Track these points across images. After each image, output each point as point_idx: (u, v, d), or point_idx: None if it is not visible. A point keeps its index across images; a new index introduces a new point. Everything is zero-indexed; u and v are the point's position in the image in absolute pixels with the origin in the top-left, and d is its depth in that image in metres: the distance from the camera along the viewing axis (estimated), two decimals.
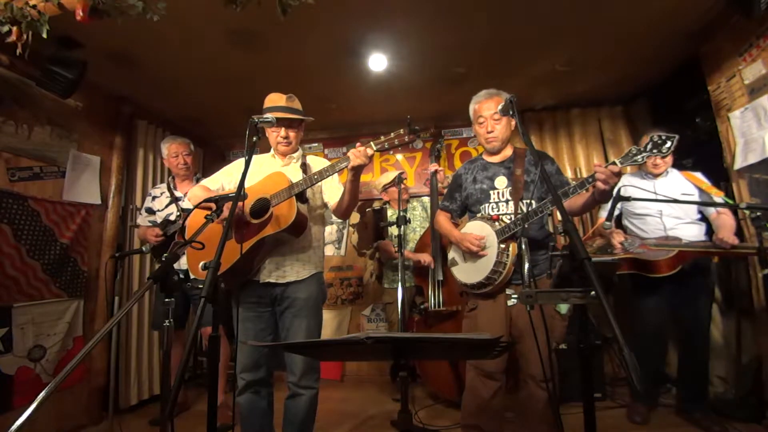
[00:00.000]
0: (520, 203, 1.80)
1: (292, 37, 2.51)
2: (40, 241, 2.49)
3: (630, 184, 2.50)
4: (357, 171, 1.66)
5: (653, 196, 2.37)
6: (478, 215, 1.89)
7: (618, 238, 2.39)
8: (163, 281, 1.24)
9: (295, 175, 1.83)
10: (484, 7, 2.29)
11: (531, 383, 1.75)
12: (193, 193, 1.91)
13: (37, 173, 2.55)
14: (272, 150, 1.96)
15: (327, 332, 3.82)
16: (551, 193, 1.21)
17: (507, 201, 1.85)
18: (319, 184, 1.84)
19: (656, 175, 2.46)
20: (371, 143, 1.62)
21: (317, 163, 1.94)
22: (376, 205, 3.26)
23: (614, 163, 1.43)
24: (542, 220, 1.79)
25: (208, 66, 2.81)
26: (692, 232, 2.34)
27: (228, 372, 2.87)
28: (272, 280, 1.79)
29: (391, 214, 3.09)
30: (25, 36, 1.75)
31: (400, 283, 2.33)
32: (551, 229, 3.19)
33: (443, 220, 2.05)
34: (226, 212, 1.48)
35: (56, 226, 2.60)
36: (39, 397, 0.95)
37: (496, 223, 1.77)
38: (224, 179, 1.96)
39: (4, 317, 2.28)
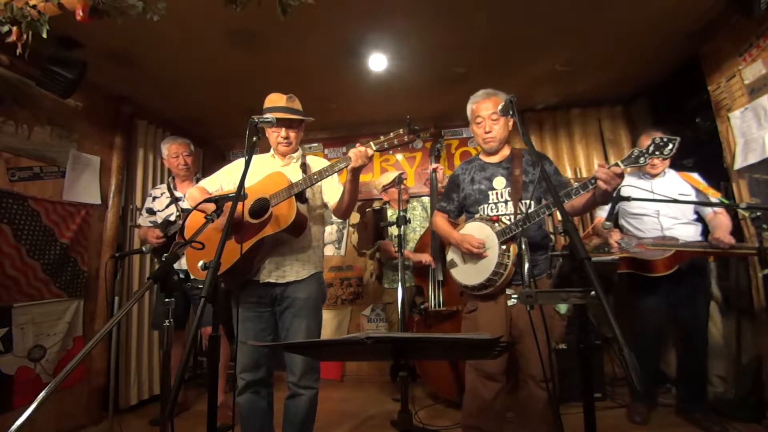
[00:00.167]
0: (519, 204, 1.80)
1: (292, 37, 2.51)
2: (40, 241, 2.49)
3: (628, 184, 2.50)
4: (356, 171, 1.66)
5: (651, 196, 2.37)
6: (477, 216, 1.88)
7: (615, 237, 2.39)
8: (163, 281, 1.24)
9: (295, 175, 1.83)
10: (484, 7, 2.29)
11: (531, 383, 1.75)
12: (191, 194, 1.91)
13: (37, 173, 2.55)
14: (272, 150, 1.96)
15: (327, 332, 3.82)
16: (552, 194, 1.21)
17: (506, 201, 1.84)
18: (319, 184, 1.84)
19: (654, 176, 2.46)
20: (371, 143, 1.62)
21: (317, 163, 1.94)
22: (376, 205, 3.26)
23: (617, 165, 1.43)
24: (541, 221, 1.78)
25: (208, 66, 2.81)
26: (689, 233, 2.34)
27: (228, 372, 2.87)
28: (272, 280, 1.79)
29: (391, 214, 3.09)
30: (25, 36, 1.75)
31: (400, 283, 2.33)
32: (551, 229, 3.20)
33: (441, 221, 2.03)
34: (226, 213, 1.48)
35: (56, 226, 2.60)
36: (39, 397, 0.95)
37: (496, 224, 1.76)
38: (223, 179, 1.96)
39: (4, 317, 2.28)
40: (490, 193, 1.88)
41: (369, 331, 3.60)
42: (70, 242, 2.67)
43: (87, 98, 2.80)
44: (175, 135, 3.11)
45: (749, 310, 2.45)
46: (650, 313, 2.45)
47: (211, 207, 1.53)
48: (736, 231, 2.49)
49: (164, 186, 2.88)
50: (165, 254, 1.30)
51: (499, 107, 1.56)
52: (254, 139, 1.47)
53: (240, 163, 1.95)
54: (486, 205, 1.88)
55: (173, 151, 2.81)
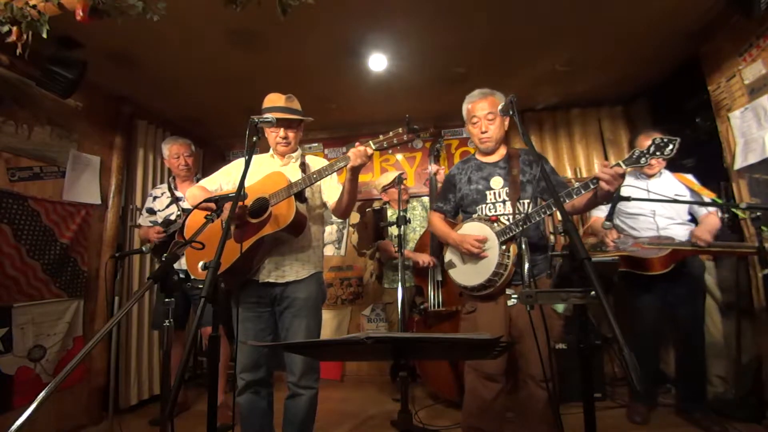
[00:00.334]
0: (518, 204, 1.80)
1: (292, 37, 2.51)
2: (40, 241, 2.49)
3: (625, 184, 2.50)
4: (356, 170, 1.66)
5: (647, 196, 2.38)
6: (475, 216, 1.87)
7: (611, 236, 2.40)
8: (163, 281, 1.24)
9: (294, 174, 1.83)
10: (484, 7, 2.29)
11: (531, 383, 1.75)
12: (191, 194, 1.91)
13: (37, 173, 2.55)
14: (271, 150, 1.96)
15: (327, 332, 3.82)
16: (552, 194, 1.21)
17: (504, 201, 1.83)
18: (318, 183, 1.84)
19: (650, 176, 2.48)
20: (370, 143, 1.62)
21: (316, 162, 1.94)
22: (376, 205, 3.26)
23: (619, 165, 1.44)
24: (539, 221, 1.78)
25: (208, 66, 2.81)
26: (684, 232, 2.35)
27: (228, 372, 2.87)
28: (271, 280, 1.79)
29: (391, 214, 3.09)
30: (25, 36, 1.75)
31: (400, 283, 2.33)
32: (551, 229, 3.20)
33: (438, 221, 2.01)
34: (226, 212, 1.48)
35: (56, 226, 2.60)
36: (39, 397, 0.95)
37: (495, 224, 1.75)
38: (222, 179, 1.96)
39: (4, 317, 2.28)
40: (487, 193, 1.87)
41: (369, 331, 3.60)
42: (70, 242, 2.66)
43: (87, 98, 2.80)
44: (175, 135, 3.11)
45: (749, 310, 2.45)
46: (647, 311, 2.46)
47: (210, 207, 1.53)
48: (737, 231, 2.50)
49: (165, 186, 2.88)
50: (165, 254, 1.30)
51: (499, 107, 1.56)
52: (254, 139, 1.47)
53: (239, 163, 1.95)
54: (484, 205, 1.87)
55: (174, 152, 2.81)
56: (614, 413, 2.54)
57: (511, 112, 1.42)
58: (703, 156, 2.78)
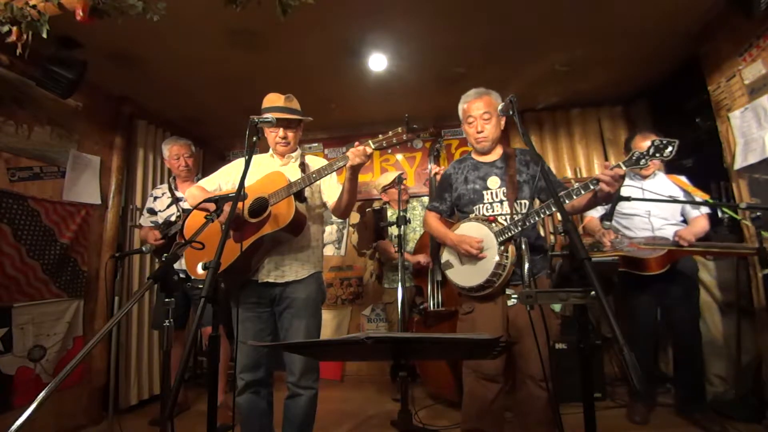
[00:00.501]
0: (515, 204, 1.79)
1: (292, 37, 2.51)
2: (40, 241, 2.49)
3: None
4: (355, 170, 1.65)
5: (642, 196, 2.40)
6: (472, 216, 1.85)
7: (608, 236, 2.40)
8: (163, 281, 1.24)
9: (294, 174, 1.82)
10: (484, 7, 2.29)
11: (530, 383, 1.74)
12: (190, 194, 1.91)
13: (37, 173, 2.55)
14: (271, 150, 1.96)
15: (327, 332, 3.82)
16: (552, 194, 1.21)
17: (501, 201, 1.82)
18: (318, 183, 1.84)
19: (644, 176, 2.49)
20: (369, 142, 1.61)
21: (316, 162, 1.94)
22: (376, 205, 3.26)
23: (619, 166, 1.43)
24: (535, 221, 1.78)
25: (208, 66, 2.81)
26: None
27: (228, 372, 2.87)
28: (271, 280, 1.79)
29: (391, 214, 3.09)
30: (25, 36, 1.75)
31: (400, 283, 2.33)
32: (551, 229, 3.20)
33: (434, 221, 1.99)
34: (226, 212, 1.48)
35: (56, 226, 2.60)
36: (39, 397, 0.95)
37: (494, 225, 1.74)
38: (222, 179, 1.95)
39: (4, 317, 2.28)
40: (484, 192, 1.86)
41: (369, 331, 3.60)
42: (70, 242, 2.66)
43: (87, 98, 2.80)
44: (175, 135, 3.11)
45: (749, 310, 2.45)
46: (642, 311, 2.48)
47: (210, 207, 1.53)
48: (737, 231, 2.50)
49: (165, 186, 2.88)
50: (165, 254, 1.30)
51: (500, 107, 1.56)
52: (254, 139, 1.47)
53: (239, 163, 1.95)
54: (481, 205, 1.86)
55: (174, 153, 2.81)
56: (614, 413, 2.54)
57: (511, 112, 1.42)
58: (703, 156, 2.79)
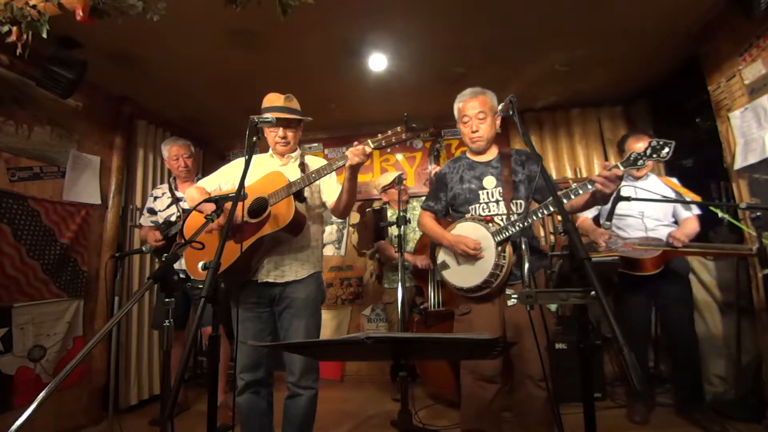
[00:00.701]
0: (511, 204, 1.79)
1: (292, 37, 2.51)
2: (40, 241, 2.49)
3: None
4: (355, 169, 1.65)
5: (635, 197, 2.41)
6: (468, 216, 1.84)
7: (603, 237, 2.41)
8: (163, 281, 1.24)
9: (294, 174, 1.82)
10: (484, 7, 2.29)
11: (529, 383, 1.74)
12: (189, 194, 1.91)
13: (37, 173, 2.55)
14: (270, 150, 1.96)
15: (327, 332, 3.82)
16: (552, 194, 1.20)
17: (497, 201, 1.82)
18: (318, 183, 1.84)
19: (637, 178, 2.50)
20: (368, 141, 1.61)
21: (316, 162, 1.93)
22: (376, 205, 3.26)
23: (617, 167, 1.43)
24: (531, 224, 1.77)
25: (208, 66, 2.81)
26: None
27: (228, 372, 2.87)
28: (271, 280, 1.79)
29: (391, 214, 3.09)
30: (25, 36, 1.75)
31: (400, 283, 2.33)
32: (551, 229, 3.20)
33: (430, 221, 1.98)
34: (226, 213, 1.48)
35: (56, 226, 2.60)
36: (39, 397, 0.95)
37: (491, 225, 1.73)
38: (221, 180, 1.95)
39: (4, 317, 2.28)
40: (480, 192, 1.85)
41: (369, 331, 3.60)
42: (70, 242, 2.66)
43: (87, 98, 2.80)
44: (175, 135, 3.11)
45: (749, 310, 2.45)
46: (637, 311, 2.49)
47: (210, 207, 1.53)
48: (736, 231, 2.50)
49: (165, 186, 2.88)
50: (165, 254, 1.30)
51: (499, 107, 1.56)
52: (254, 139, 1.47)
53: (238, 163, 1.95)
54: (477, 205, 1.85)
55: (173, 153, 2.81)
56: (614, 413, 2.54)
57: (511, 112, 1.42)
58: (703, 156, 2.79)
